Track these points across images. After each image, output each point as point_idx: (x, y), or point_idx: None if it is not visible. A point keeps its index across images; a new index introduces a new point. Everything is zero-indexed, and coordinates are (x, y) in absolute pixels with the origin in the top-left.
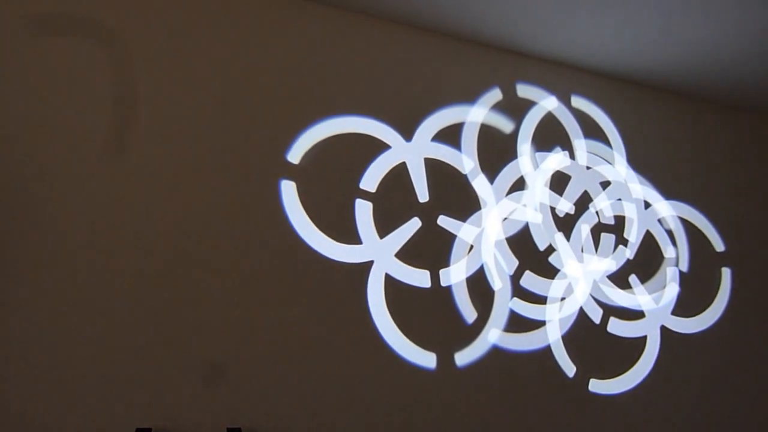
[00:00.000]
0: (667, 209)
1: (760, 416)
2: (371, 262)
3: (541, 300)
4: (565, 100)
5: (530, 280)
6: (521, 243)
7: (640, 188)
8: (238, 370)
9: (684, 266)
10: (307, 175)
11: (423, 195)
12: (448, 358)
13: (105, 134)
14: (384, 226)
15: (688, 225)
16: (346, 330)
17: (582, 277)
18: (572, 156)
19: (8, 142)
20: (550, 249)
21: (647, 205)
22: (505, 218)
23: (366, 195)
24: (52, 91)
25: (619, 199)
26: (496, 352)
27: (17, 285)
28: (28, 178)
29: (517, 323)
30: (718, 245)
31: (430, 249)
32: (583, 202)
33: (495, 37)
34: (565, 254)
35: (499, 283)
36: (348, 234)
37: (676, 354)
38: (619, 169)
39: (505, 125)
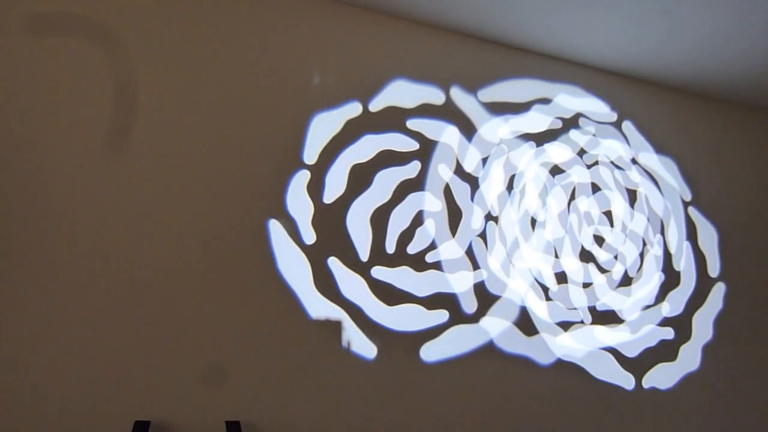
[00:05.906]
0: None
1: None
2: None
3: None
4: (573, 98)
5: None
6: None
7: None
8: (238, 364)
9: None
10: (312, 174)
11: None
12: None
13: (105, 134)
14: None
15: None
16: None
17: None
18: (579, 155)
19: (7, 142)
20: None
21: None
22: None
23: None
24: (52, 91)
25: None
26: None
27: (18, 281)
28: (26, 178)
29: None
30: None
31: None
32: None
33: (500, 34)
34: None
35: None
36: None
37: None
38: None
39: (509, 123)
